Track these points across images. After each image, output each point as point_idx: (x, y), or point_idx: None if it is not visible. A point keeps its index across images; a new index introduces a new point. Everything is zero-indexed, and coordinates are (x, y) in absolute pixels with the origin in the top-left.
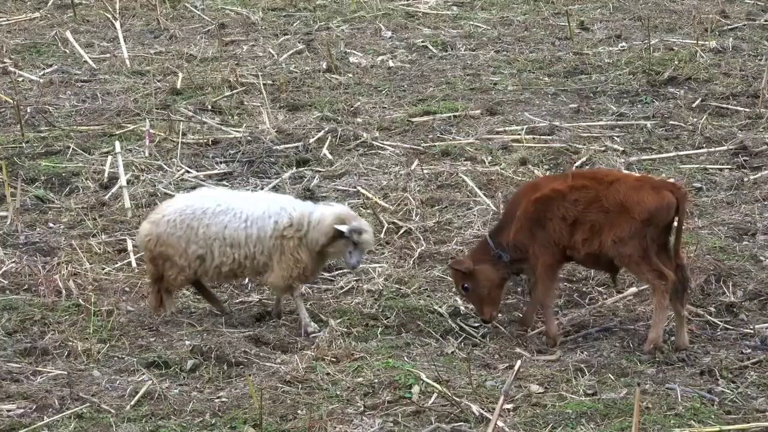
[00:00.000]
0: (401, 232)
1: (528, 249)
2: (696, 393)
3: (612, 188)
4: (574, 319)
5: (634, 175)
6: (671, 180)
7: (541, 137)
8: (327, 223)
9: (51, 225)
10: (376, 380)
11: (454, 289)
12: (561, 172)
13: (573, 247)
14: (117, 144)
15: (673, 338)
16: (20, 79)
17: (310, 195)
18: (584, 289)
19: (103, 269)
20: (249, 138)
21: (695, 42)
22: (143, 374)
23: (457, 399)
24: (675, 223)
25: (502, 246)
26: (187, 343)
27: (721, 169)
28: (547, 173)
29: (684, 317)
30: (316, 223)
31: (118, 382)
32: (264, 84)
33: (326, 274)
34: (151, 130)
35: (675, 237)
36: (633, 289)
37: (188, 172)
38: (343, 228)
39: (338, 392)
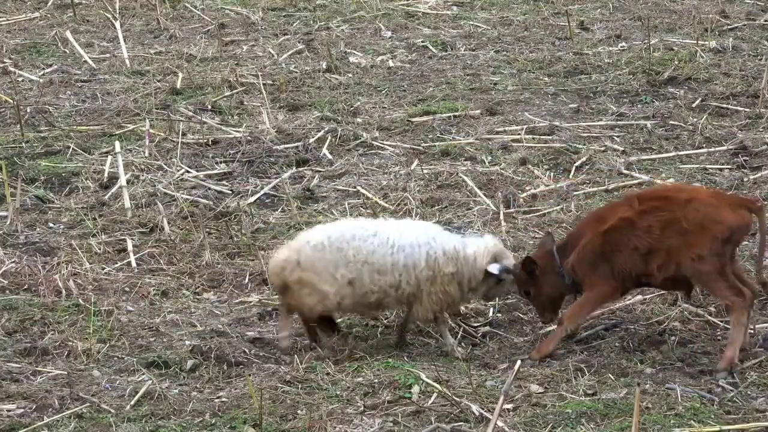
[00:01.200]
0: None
1: (585, 279)
2: (696, 393)
3: (689, 207)
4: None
5: (707, 190)
6: (747, 196)
7: (541, 137)
8: (484, 261)
9: (51, 225)
10: (376, 380)
11: None
12: (625, 197)
13: (650, 275)
14: (117, 144)
15: (673, 338)
16: (20, 79)
17: (310, 195)
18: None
19: (103, 269)
20: (249, 138)
21: (695, 42)
22: (143, 374)
23: (457, 399)
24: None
25: (564, 268)
26: (186, 343)
27: (721, 169)
28: (548, 172)
29: (746, 326)
30: (474, 258)
31: (117, 382)
32: (264, 84)
33: None
34: (151, 130)
35: (760, 251)
36: (639, 297)
37: (188, 172)
38: (495, 270)
39: (338, 392)
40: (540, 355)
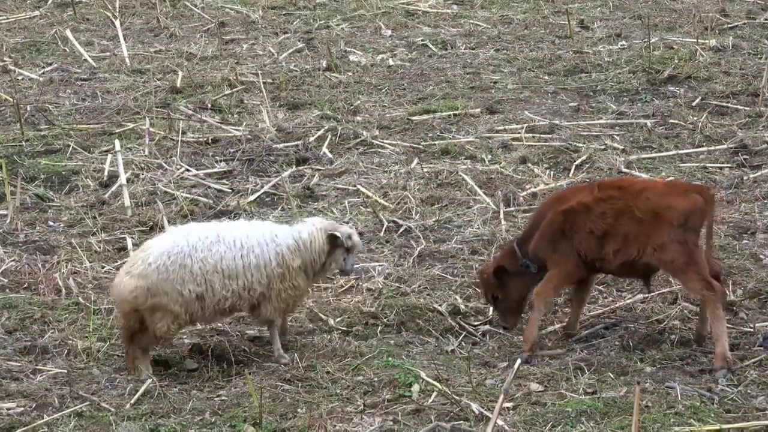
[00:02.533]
0: (401, 230)
1: (548, 258)
2: (696, 391)
3: (641, 197)
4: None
5: (661, 181)
6: (699, 183)
7: (541, 136)
8: (321, 237)
9: (51, 223)
10: (375, 379)
11: (453, 288)
12: (587, 183)
13: (604, 259)
14: (117, 142)
15: (673, 336)
16: (20, 77)
17: (310, 194)
18: None
19: (103, 268)
20: (249, 136)
21: (695, 41)
22: (143, 373)
23: (457, 397)
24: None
25: (528, 257)
26: (186, 341)
27: (721, 168)
28: (548, 171)
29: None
30: (310, 241)
31: (117, 380)
32: (264, 82)
33: None
34: (151, 129)
35: (707, 237)
36: (639, 296)
37: (188, 170)
38: (338, 233)
39: (338, 391)
40: (528, 344)
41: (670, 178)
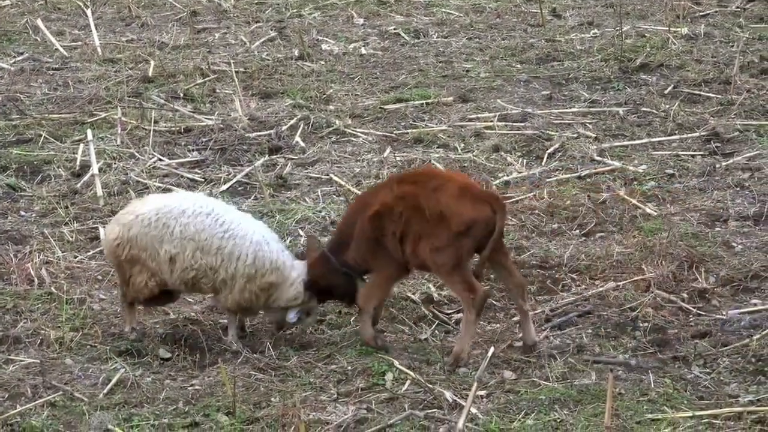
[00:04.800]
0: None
1: (371, 264)
2: (669, 379)
3: (433, 197)
4: (548, 305)
5: (459, 180)
6: (493, 191)
7: (514, 124)
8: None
9: (23, 213)
10: (349, 367)
11: (426, 276)
12: (388, 179)
13: (407, 261)
14: (89, 132)
15: (646, 324)
16: None
17: (283, 183)
18: (557, 276)
19: (76, 257)
20: (221, 126)
21: (667, 29)
22: (116, 362)
23: (431, 386)
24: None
25: (348, 265)
26: (160, 331)
27: (693, 156)
28: (521, 159)
29: (528, 312)
30: (288, 285)
31: (90, 370)
32: (236, 72)
33: None
34: (123, 118)
35: (490, 246)
36: (611, 284)
37: (160, 160)
38: (292, 318)
39: (311, 379)
40: (369, 340)
41: (469, 176)
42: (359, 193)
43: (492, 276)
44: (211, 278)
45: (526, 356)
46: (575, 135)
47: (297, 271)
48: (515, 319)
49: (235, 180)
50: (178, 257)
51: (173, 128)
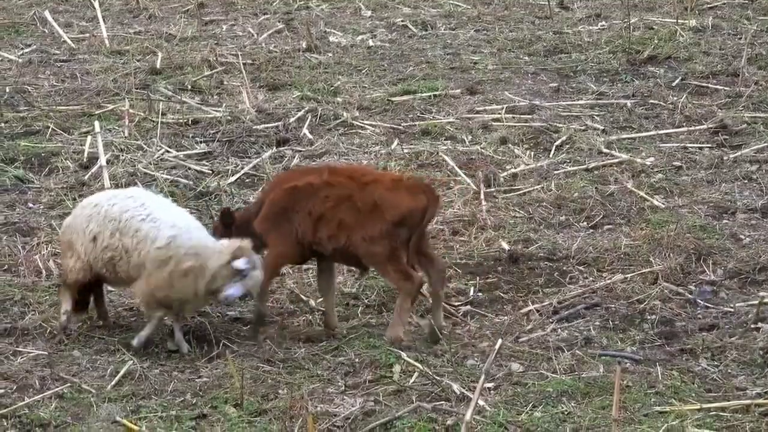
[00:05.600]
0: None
1: (267, 237)
2: (676, 371)
3: (367, 189)
4: (555, 297)
5: (391, 175)
6: (425, 182)
7: (521, 116)
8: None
9: (30, 205)
10: (357, 360)
11: None
12: (318, 166)
13: (319, 243)
14: (96, 124)
15: (654, 316)
16: None
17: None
18: (564, 268)
19: None
20: (229, 118)
21: (675, 21)
22: (124, 354)
23: (438, 378)
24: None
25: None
26: (168, 323)
27: (701, 148)
28: (528, 152)
29: (441, 298)
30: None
31: (98, 362)
32: (243, 63)
33: None
34: (131, 110)
35: (416, 235)
36: (619, 276)
37: (168, 151)
38: (241, 265)
39: (319, 372)
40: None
41: (403, 174)
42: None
43: (499, 269)
44: (125, 261)
45: (531, 349)
46: (583, 127)
47: (217, 251)
48: (522, 311)
49: (242, 172)
50: (99, 236)
51: (181, 120)
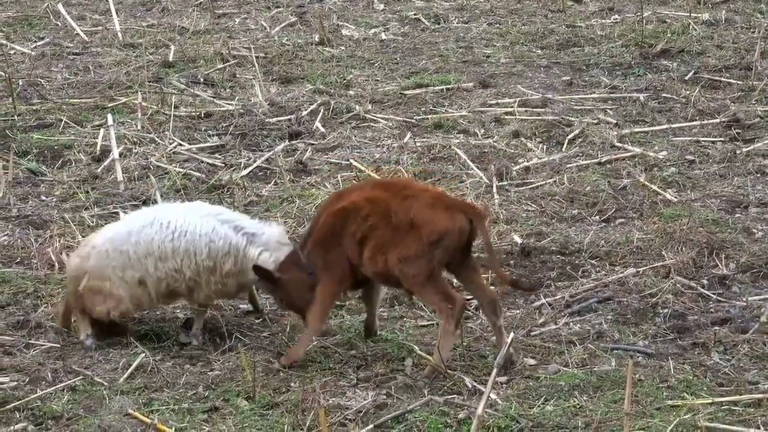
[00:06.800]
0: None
1: (319, 265)
2: (688, 365)
3: (404, 204)
4: (567, 291)
5: (433, 190)
6: (470, 201)
7: (534, 110)
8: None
9: (43, 198)
10: (369, 353)
11: None
12: (365, 180)
13: (364, 266)
14: (109, 117)
15: (666, 310)
16: (12, 51)
17: (303, 168)
18: (577, 262)
19: None
20: (241, 111)
21: (688, 14)
22: (136, 347)
23: (450, 371)
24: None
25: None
26: (180, 315)
27: (713, 142)
28: (541, 145)
29: (501, 327)
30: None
31: (111, 354)
32: (256, 57)
33: None
34: (144, 103)
35: (458, 259)
36: (631, 270)
37: (181, 144)
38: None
39: (331, 365)
40: (289, 361)
41: (445, 190)
42: (380, 178)
43: (511, 263)
44: (181, 281)
45: (543, 342)
46: (595, 121)
47: (257, 244)
48: (535, 305)
49: (255, 165)
50: (145, 278)
51: (193, 113)
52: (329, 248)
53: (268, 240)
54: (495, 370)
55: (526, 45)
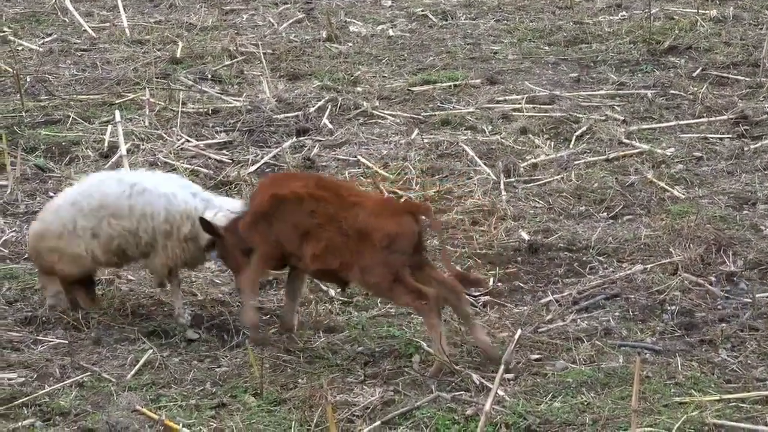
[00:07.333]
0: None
1: (251, 240)
2: (696, 362)
3: (352, 212)
4: (575, 288)
5: (376, 197)
6: (416, 201)
7: (542, 106)
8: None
9: (51, 194)
10: (376, 349)
11: (454, 259)
12: (308, 173)
13: (300, 258)
14: (117, 113)
15: (674, 307)
16: (20, 48)
17: (311, 164)
18: (584, 259)
19: None
20: (249, 107)
21: (696, 11)
22: (144, 343)
23: (458, 368)
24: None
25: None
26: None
27: (721, 139)
28: (548, 142)
29: (471, 315)
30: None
31: (118, 350)
32: (264, 53)
33: None
34: (151, 99)
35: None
36: (639, 267)
37: (188, 141)
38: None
39: (338, 361)
40: (251, 328)
41: (388, 195)
42: (388, 175)
43: (519, 259)
44: (133, 243)
45: (551, 339)
46: (603, 117)
47: (211, 208)
48: (543, 301)
49: (262, 161)
50: (97, 231)
51: (201, 109)
52: (260, 228)
53: (222, 206)
54: (502, 367)
55: (533, 42)
